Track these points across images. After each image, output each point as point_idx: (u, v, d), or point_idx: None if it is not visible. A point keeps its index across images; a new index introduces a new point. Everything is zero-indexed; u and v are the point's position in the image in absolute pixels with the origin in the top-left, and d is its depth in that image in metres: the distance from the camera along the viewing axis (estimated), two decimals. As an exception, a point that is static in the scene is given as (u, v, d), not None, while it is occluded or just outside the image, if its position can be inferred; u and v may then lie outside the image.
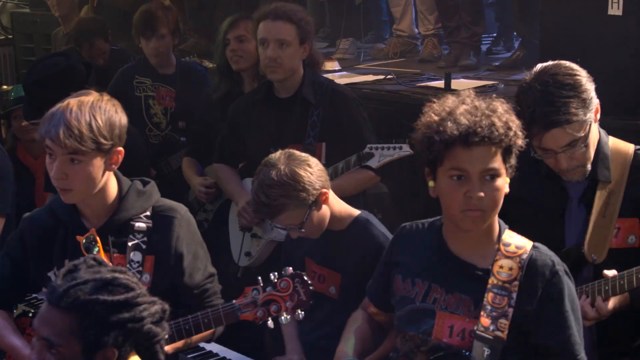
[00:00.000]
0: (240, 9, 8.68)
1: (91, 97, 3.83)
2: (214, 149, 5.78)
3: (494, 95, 3.36)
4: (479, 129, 3.15)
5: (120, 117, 3.84)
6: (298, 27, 5.21)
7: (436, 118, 3.23)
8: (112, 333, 2.98)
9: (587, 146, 3.78)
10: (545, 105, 3.71)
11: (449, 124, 3.16)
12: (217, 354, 4.41)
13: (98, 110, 3.75)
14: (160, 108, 6.67)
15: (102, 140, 3.73)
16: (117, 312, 2.98)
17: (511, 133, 3.22)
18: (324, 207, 4.23)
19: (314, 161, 4.27)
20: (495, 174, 3.21)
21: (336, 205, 4.32)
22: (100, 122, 3.73)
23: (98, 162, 3.78)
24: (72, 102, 3.77)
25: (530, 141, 3.67)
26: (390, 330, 3.81)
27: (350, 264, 4.25)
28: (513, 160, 3.26)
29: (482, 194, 3.18)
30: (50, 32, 9.77)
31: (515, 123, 3.25)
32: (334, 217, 4.29)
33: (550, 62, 3.92)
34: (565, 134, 3.71)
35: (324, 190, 4.20)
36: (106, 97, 3.90)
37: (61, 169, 3.74)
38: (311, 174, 4.15)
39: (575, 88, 3.75)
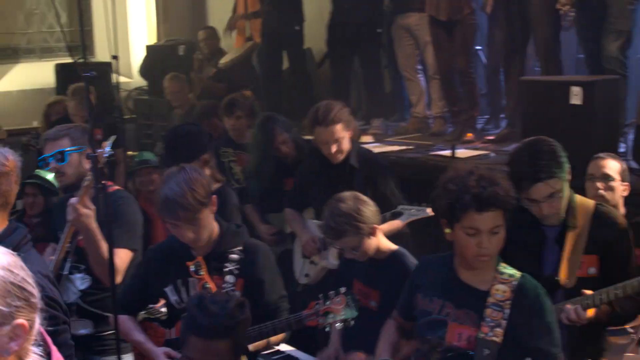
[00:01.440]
0: (306, 89, 8.78)
1: (183, 172, 3.87)
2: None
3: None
4: (489, 199, 3.21)
5: (206, 177, 3.94)
6: (347, 123, 5.23)
7: (454, 188, 3.26)
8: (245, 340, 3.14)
9: (561, 198, 3.81)
10: (532, 166, 3.76)
11: (465, 194, 3.21)
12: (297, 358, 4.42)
13: (195, 182, 3.80)
14: (240, 168, 6.71)
15: (205, 200, 3.82)
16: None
17: (511, 199, 3.29)
18: (373, 238, 4.25)
19: (371, 203, 4.32)
20: (499, 230, 3.28)
21: (382, 239, 4.34)
22: (200, 189, 3.80)
23: (208, 214, 3.87)
24: (176, 183, 3.82)
25: (519, 193, 3.71)
26: (410, 334, 3.82)
27: (388, 285, 4.23)
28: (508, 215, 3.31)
29: (489, 245, 3.26)
30: (163, 112, 9.90)
31: (512, 189, 3.32)
32: (378, 248, 4.30)
33: (534, 137, 3.99)
34: (547, 187, 3.75)
35: (375, 225, 4.23)
36: (192, 168, 3.97)
37: (191, 232, 3.84)
38: (370, 211, 4.22)
39: (554, 154, 3.80)
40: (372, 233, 4.23)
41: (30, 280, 2.01)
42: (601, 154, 4.84)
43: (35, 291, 2.00)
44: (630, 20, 6.38)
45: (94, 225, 4.12)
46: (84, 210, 4.06)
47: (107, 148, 4.02)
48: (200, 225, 3.85)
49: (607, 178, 4.69)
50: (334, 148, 5.22)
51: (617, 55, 6.28)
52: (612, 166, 4.73)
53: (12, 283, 1.94)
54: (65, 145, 4.39)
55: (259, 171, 6.19)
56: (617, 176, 4.71)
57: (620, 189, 4.71)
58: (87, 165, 4.13)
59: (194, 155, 4.97)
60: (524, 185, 3.75)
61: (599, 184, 4.70)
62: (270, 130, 6.06)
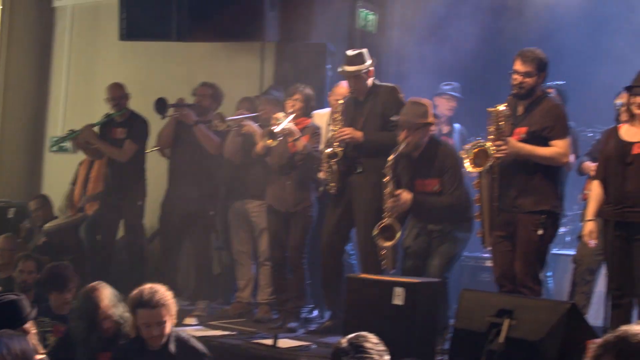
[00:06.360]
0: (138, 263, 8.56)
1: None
2: None
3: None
4: None
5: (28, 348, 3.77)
6: (169, 308, 5.09)
7: None
8: None
9: None
10: (356, 354, 3.71)
11: None
12: None
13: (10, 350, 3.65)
14: (55, 339, 6.35)
15: None
16: None
17: None
18: None
19: None
20: None
21: None
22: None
23: None
24: None
25: None
26: None
27: None
28: None
29: None
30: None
31: None
32: None
33: (357, 333, 3.91)
34: None
35: None
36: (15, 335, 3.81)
37: None
38: None
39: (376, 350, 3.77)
40: None
41: None
42: None
43: None
44: (460, 250, 6.69)
45: None
46: None
47: None
48: None
49: None
50: (155, 331, 5.06)
51: (437, 274, 6.48)
52: None
53: None
54: None
55: (78, 343, 5.75)
56: None
57: None
58: None
59: (12, 326, 4.69)
60: None
61: None
62: (96, 301, 5.78)
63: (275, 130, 7.15)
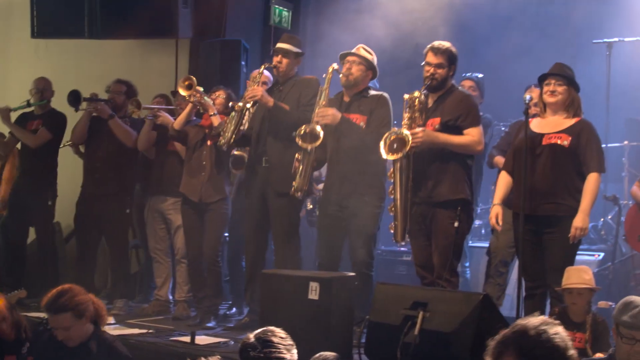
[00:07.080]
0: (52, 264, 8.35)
1: None
2: None
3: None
4: None
5: None
6: (78, 312, 4.90)
7: None
8: None
9: None
10: (263, 349, 3.66)
11: None
12: None
13: None
14: None
15: None
16: None
17: None
18: None
19: None
20: None
21: None
22: None
23: None
24: None
25: None
26: None
27: None
28: None
29: None
30: None
31: None
32: None
33: (264, 328, 3.85)
34: None
35: None
36: None
37: None
38: None
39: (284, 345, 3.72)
40: None
41: None
42: None
43: None
44: (376, 225, 6.65)
45: None
46: None
47: None
48: None
49: None
50: (60, 335, 4.94)
51: (364, 257, 6.47)
52: None
53: None
54: None
55: None
56: None
57: None
58: None
59: None
60: None
61: None
62: None
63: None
